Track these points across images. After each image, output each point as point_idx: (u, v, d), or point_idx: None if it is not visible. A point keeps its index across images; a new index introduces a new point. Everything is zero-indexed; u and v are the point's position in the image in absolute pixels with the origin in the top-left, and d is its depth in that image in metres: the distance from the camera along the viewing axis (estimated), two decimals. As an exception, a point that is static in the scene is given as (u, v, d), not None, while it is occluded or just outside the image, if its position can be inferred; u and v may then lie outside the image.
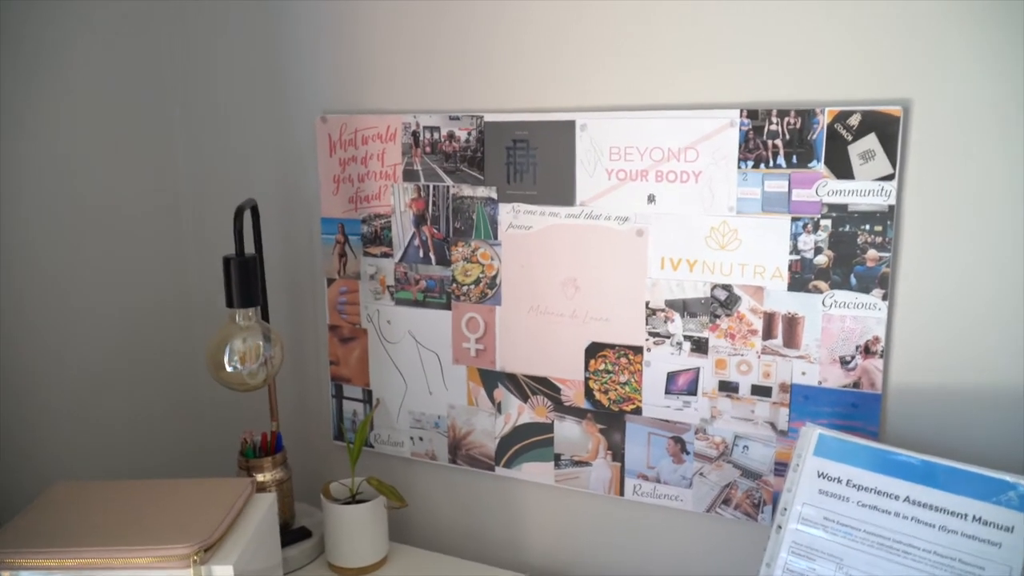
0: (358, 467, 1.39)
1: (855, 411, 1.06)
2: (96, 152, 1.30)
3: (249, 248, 1.21)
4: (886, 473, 0.96)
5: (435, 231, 1.27)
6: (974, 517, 0.90)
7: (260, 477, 1.28)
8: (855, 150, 1.01)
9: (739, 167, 1.06)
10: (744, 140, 1.06)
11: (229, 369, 1.18)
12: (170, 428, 1.47)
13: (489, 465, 1.30)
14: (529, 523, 1.30)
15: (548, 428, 1.25)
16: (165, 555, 0.94)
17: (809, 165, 1.03)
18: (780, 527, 1.01)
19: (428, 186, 1.26)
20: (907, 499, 0.94)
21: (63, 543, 0.96)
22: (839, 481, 0.99)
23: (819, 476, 1.00)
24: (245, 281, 1.17)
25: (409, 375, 1.33)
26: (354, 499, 1.29)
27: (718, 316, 1.11)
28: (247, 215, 1.20)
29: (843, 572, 0.95)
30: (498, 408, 1.28)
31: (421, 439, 1.35)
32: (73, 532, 0.99)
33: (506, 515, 1.32)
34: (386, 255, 1.31)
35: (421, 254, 1.28)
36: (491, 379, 1.27)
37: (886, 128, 0.99)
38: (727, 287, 1.10)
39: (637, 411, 1.18)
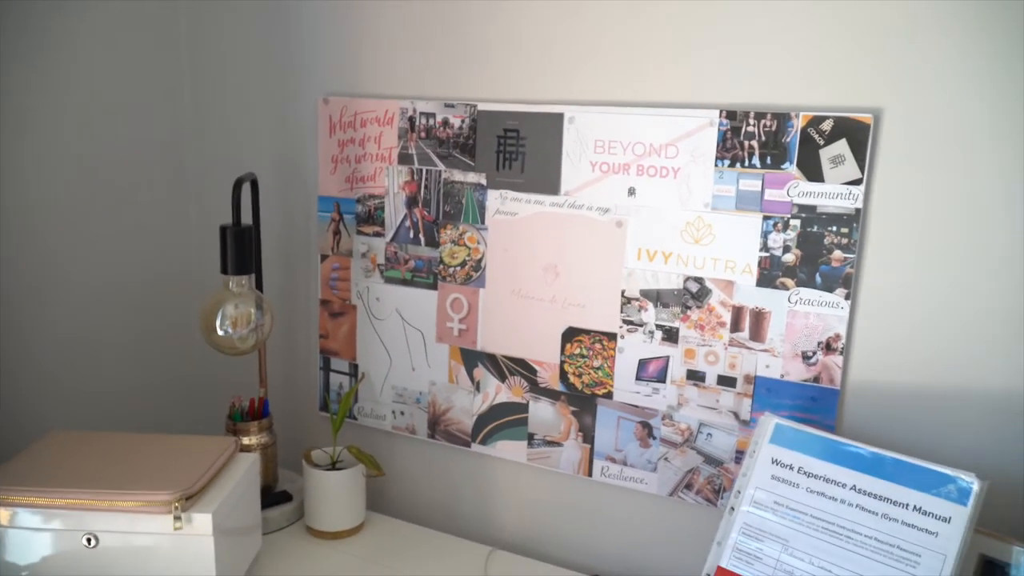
0: (341, 438, 1.45)
1: (814, 404, 1.11)
2: (101, 124, 1.36)
3: (247, 221, 1.27)
4: (836, 462, 1.01)
5: (426, 213, 1.32)
6: (915, 507, 0.95)
7: (246, 440, 1.33)
8: (826, 154, 1.05)
9: (716, 165, 1.11)
10: (722, 139, 1.10)
11: (220, 333, 1.23)
12: (164, 391, 1.53)
13: (466, 441, 1.35)
14: (501, 499, 1.35)
15: (523, 408, 1.29)
16: (148, 500, 1.00)
17: (782, 166, 1.08)
18: (733, 508, 1.06)
19: (421, 170, 1.31)
20: (853, 487, 0.99)
21: (55, 484, 1.01)
22: (791, 468, 1.03)
23: (773, 463, 1.05)
24: (240, 249, 1.22)
25: (394, 351, 1.38)
26: (334, 466, 1.34)
27: (689, 307, 1.16)
28: (247, 189, 1.26)
29: (788, 553, 1.00)
30: (477, 387, 1.33)
31: (403, 413, 1.40)
32: (64, 475, 1.04)
33: (479, 490, 1.37)
34: (378, 234, 1.36)
35: (411, 235, 1.33)
36: (472, 358, 1.32)
37: (856, 134, 1.03)
38: (699, 280, 1.15)
39: (608, 395, 1.23)
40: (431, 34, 1.27)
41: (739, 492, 1.06)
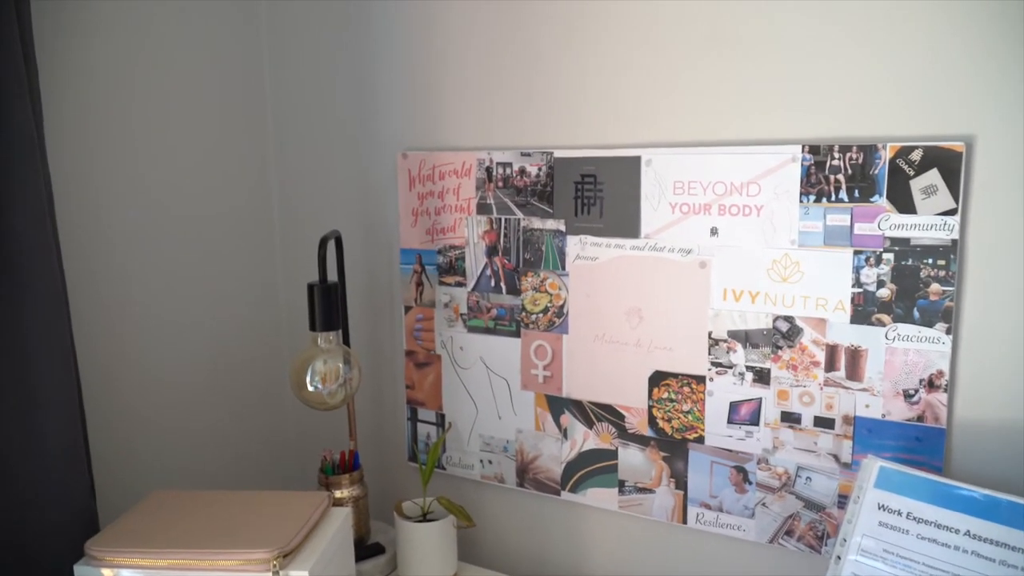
0: (430, 488, 1.45)
1: (919, 445, 1.06)
2: (194, 181, 1.42)
3: (333, 276, 1.29)
4: (947, 507, 0.96)
5: (506, 262, 1.32)
6: (1037, 553, 0.89)
7: (338, 493, 1.34)
8: (917, 185, 1.02)
9: (801, 201, 1.09)
10: (806, 175, 1.08)
11: (311, 388, 1.26)
12: (257, 446, 1.56)
13: (555, 489, 1.34)
14: (592, 548, 1.33)
15: (612, 454, 1.28)
16: (247, 559, 1.01)
17: (871, 199, 1.05)
18: (839, 557, 1.01)
19: (500, 219, 1.32)
20: (967, 533, 0.94)
21: (157, 545, 1.04)
22: (899, 514, 0.99)
23: (879, 508, 1.00)
24: (327, 306, 1.25)
25: (480, 400, 1.38)
26: (425, 518, 1.34)
27: (780, 347, 1.13)
28: (331, 245, 1.29)
29: (902, 605, 0.95)
30: (564, 434, 1.31)
31: (490, 462, 1.39)
32: (165, 536, 1.07)
33: (570, 539, 1.35)
34: (460, 284, 1.37)
35: (493, 283, 1.34)
36: (558, 405, 1.31)
37: (948, 163, 1.00)
38: (789, 319, 1.12)
39: (700, 440, 1.20)
40: (502, 85, 1.29)
41: (845, 540, 1.02)
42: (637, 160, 1.19)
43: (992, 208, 0.99)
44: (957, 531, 0.94)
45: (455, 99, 1.34)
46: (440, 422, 1.43)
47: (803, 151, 1.08)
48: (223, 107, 1.45)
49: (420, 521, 1.32)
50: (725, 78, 1.12)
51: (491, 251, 1.34)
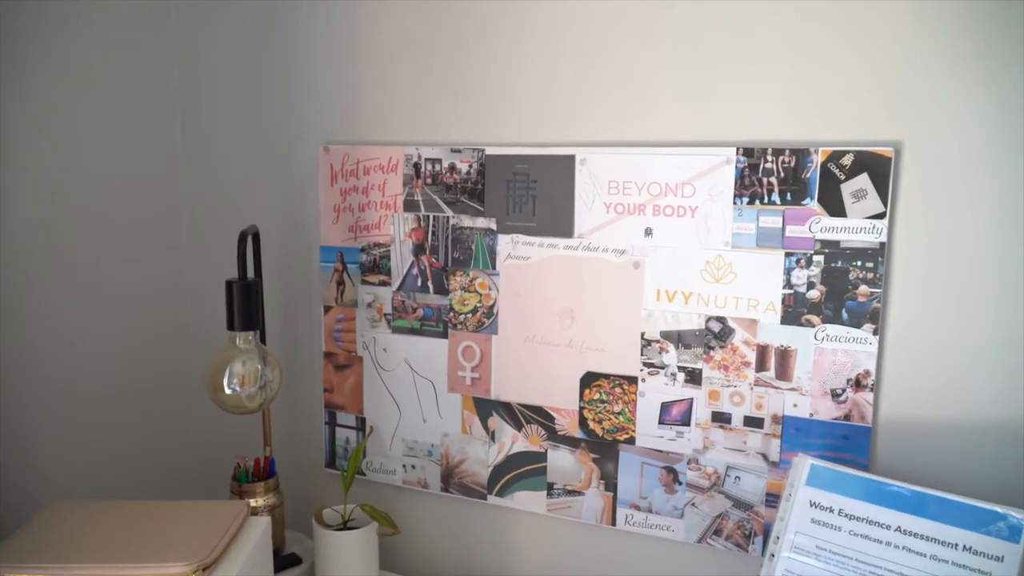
0: (349, 495, 1.40)
1: (846, 443, 1.09)
2: (95, 176, 1.32)
3: (249, 273, 1.23)
4: (878, 503, 0.98)
5: (434, 260, 1.29)
6: (965, 547, 0.92)
7: (253, 502, 1.27)
8: (847, 189, 1.05)
9: (735, 203, 1.10)
10: (740, 177, 1.09)
11: (228, 391, 1.18)
12: (164, 452, 1.47)
13: (481, 494, 1.30)
14: (520, 552, 1.31)
15: (542, 457, 1.26)
16: (164, 573, 0.94)
17: (803, 202, 1.07)
18: (773, 555, 1.03)
19: (428, 216, 1.28)
20: (898, 529, 0.96)
21: (62, 559, 0.95)
22: (831, 510, 1.01)
23: (811, 505, 1.02)
24: (246, 304, 1.18)
25: (404, 403, 1.34)
26: (346, 526, 1.29)
27: (712, 348, 1.14)
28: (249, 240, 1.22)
29: (836, 600, 0.97)
30: (492, 437, 1.29)
31: (414, 467, 1.35)
32: (72, 549, 0.98)
33: (497, 544, 1.32)
34: (384, 283, 1.33)
35: (419, 283, 1.30)
36: (486, 407, 1.28)
37: (878, 168, 1.02)
38: (721, 319, 1.13)
39: (631, 441, 1.20)
40: (434, 79, 1.25)
41: (778, 538, 1.03)
42: (571, 159, 1.18)
43: (918, 212, 1.02)
44: (888, 527, 0.97)
45: (382, 92, 1.29)
46: (361, 426, 1.38)
47: (737, 153, 1.09)
48: (124, 92, 1.36)
49: (341, 529, 1.26)
50: (661, 79, 1.12)
51: (418, 249, 1.30)
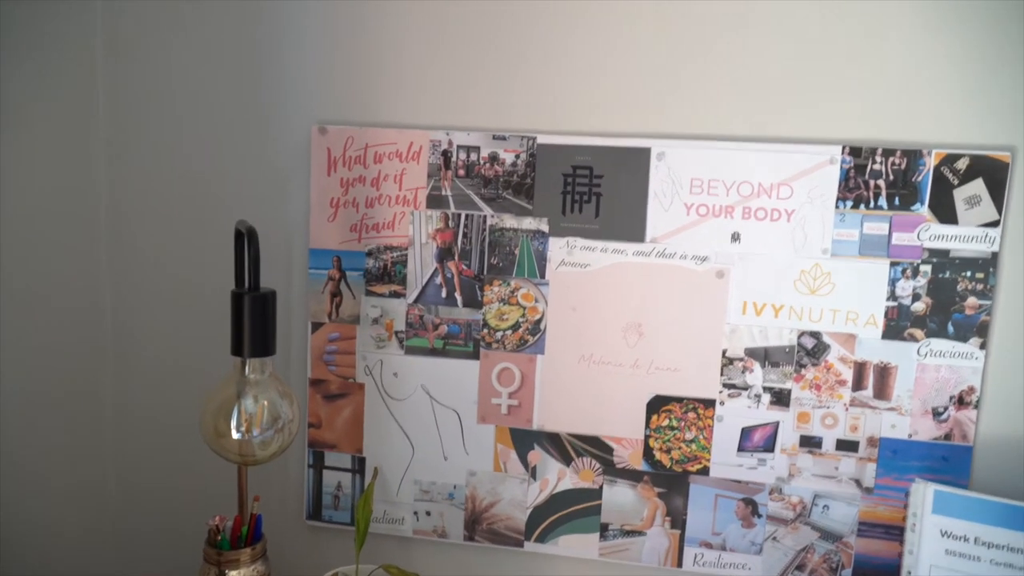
0: (339, 552, 1.15)
1: (945, 464, 1.02)
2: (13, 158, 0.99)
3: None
4: (1014, 528, 0.93)
5: (464, 267, 1.08)
6: (1122, 571, 0.88)
7: (234, 573, 1.00)
8: (961, 194, 0.98)
9: (837, 207, 1.00)
10: (844, 178, 1.00)
11: (235, 436, 0.91)
12: (71, 511, 1.14)
13: (517, 540, 1.11)
14: (565, 606, 1.13)
15: (595, 494, 1.09)
16: None
17: (912, 208, 0.99)
18: (907, 594, 0.94)
19: (459, 215, 1.07)
20: (1044, 556, 0.91)
21: None
22: (965, 539, 0.93)
23: (943, 535, 0.94)
24: (261, 323, 0.91)
25: (418, 438, 1.12)
26: (359, 594, 1.05)
27: (803, 366, 1.03)
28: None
29: (988, 639, 0.90)
30: (532, 473, 1.10)
31: (428, 514, 1.13)
32: None
33: (536, 598, 1.14)
34: (396, 295, 1.10)
35: (444, 294, 1.09)
36: (525, 440, 1.10)
37: (994, 174, 0.97)
38: (815, 334, 1.03)
39: (704, 471, 1.07)
40: (471, 47, 1.05)
41: (910, 573, 0.94)
42: (646, 152, 1.03)
43: (1029, 221, 0.98)
44: (1032, 554, 0.91)
45: (400, 60, 1.06)
46: (358, 468, 1.14)
47: (843, 153, 0.99)
48: (53, 59, 1.03)
49: (356, 599, 1.03)
50: (759, 65, 1.00)
51: (444, 254, 1.08)
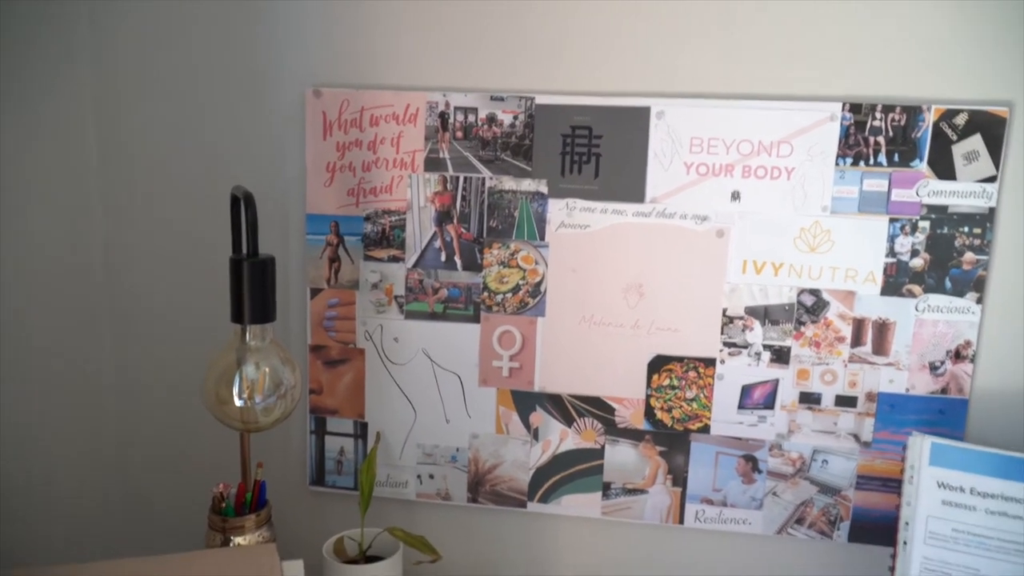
0: (342, 517, 1.16)
1: (941, 417, 1.04)
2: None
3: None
4: (1009, 478, 0.94)
5: (464, 231, 1.07)
6: (1113, 517, 0.91)
7: (240, 540, 1.00)
8: (959, 150, 0.98)
9: (837, 164, 1.00)
10: (844, 135, 1.00)
11: (238, 403, 0.91)
12: (73, 481, 1.13)
13: (520, 501, 1.12)
14: (569, 563, 1.14)
15: (597, 454, 1.10)
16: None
17: (911, 164, 0.99)
18: (906, 543, 0.96)
19: (458, 178, 1.06)
20: (1038, 504, 0.93)
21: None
22: (962, 490, 0.95)
23: (939, 487, 0.96)
24: (261, 289, 0.91)
25: (420, 402, 1.12)
26: (366, 557, 1.06)
27: (803, 323, 1.04)
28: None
29: (985, 586, 0.92)
30: (535, 435, 1.11)
31: (432, 476, 1.14)
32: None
33: (540, 556, 1.15)
34: (395, 259, 1.09)
35: (443, 257, 1.08)
36: (527, 402, 1.10)
37: (992, 129, 0.97)
38: (815, 292, 1.03)
39: (705, 430, 1.08)
40: (470, 7, 1.03)
41: (907, 523, 0.96)
42: (646, 111, 1.02)
43: (1026, 176, 0.99)
44: (1027, 502, 0.93)
45: (396, 20, 1.04)
46: (361, 433, 1.14)
47: (843, 109, 0.99)
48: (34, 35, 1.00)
49: (361, 562, 1.03)
50: (758, 22, 0.99)
51: (443, 218, 1.08)
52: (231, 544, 0.98)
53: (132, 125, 1.11)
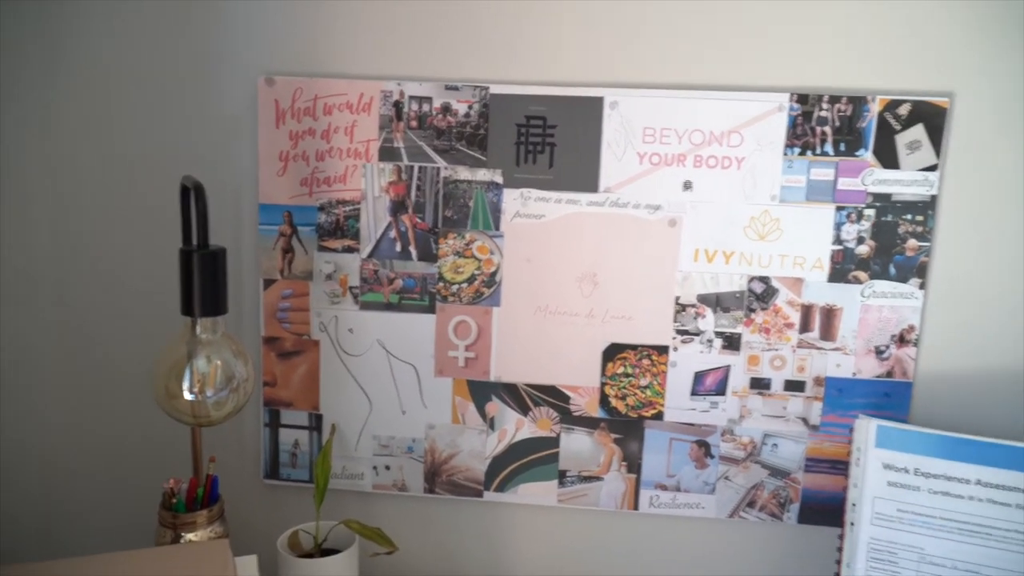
0: (298, 510, 1.15)
1: (887, 400, 1.07)
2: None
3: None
4: (952, 458, 0.97)
5: (419, 221, 1.07)
6: (1049, 493, 0.94)
7: (192, 536, 0.99)
8: (903, 140, 1.01)
9: (785, 154, 1.02)
10: (792, 125, 1.02)
11: (188, 397, 0.89)
12: (21, 481, 1.11)
13: (477, 491, 1.13)
14: (526, 552, 1.15)
15: (553, 442, 1.11)
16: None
17: (857, 153, 1.02)
18: (852, 524, 0.98)
19: (412, 167, 1.06)
20: (978, 481, 0.96)
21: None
22: (906, 471, 0.98)
23: (885, 468, 0.99)
24: (212, 280, 0.89)
25: (376, 393, 1.11)
26: (321, 550, 1.05)
27: (753, 310, 1.06)
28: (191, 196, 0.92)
29: (927, 562, 0.95)
30: (491, 424, 1.11)
31: (388, 468, 1.13)
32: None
33: (497, 546, 1.15)
34: (350, 250, 1.08)
35: (398, 248, 1.08)
36: (483, 391, 1.10)
37: (933, 119, 1.00)
38: (765, 279, 1.05)
39: (658, 416, 1.09)
40: (421, -1, 1.03)
41: (854, 504, 0.99)
42: (599, 102, 1.03)
43: (966, 164, 1.01)
44: (968, 481, 0.96)
45: (350, 8, 1.04)
46: (316, 425, 1.13)
47: (791, 100, 1.01)
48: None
49: (319, 555, 1.03)
50: (711, 15, 1.00)
51: (398, 207, 1.07)
52: (182, 540, 0.97)
53: (80, 115, 1.09)
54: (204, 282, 0.89)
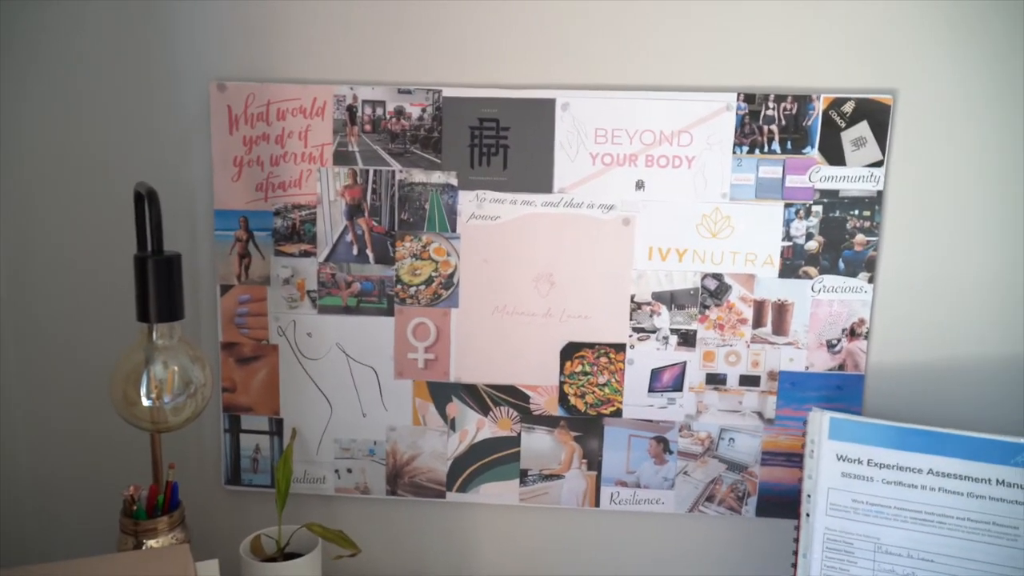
0: (259, 515, 1.15)
1: (840, 393, 1.09)
2: None
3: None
4: (904, 448, 0.99)
5: (375, 224, 1.08)
6: (997, 480, 0.96)
7: (153, 543, 0.99)
8: (848, 137, 1.03)
9: (734, 152, 1.04)
10: (740, 125, 1.03)
11: (146, 403, 0.89)
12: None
13: (439, 492, 1.13)
14: (489, 551, 1.16)
15: (513, 442, 1.12)
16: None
17: (803, 151, 1.04)
18: (808, 515, 1.00)
19: (367, 171, 1.07)
20: (930, 471, 0.98)
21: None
22: (860, 462, 1.00)
23: (839, 459, 1.00)
24: (167, 286, 0.89)
25: (336, 397, 1.12)
26: (283, 554, 1.05)
27: (707, 307, 1.08)
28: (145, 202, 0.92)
29: (883, 551, 0.97)
30: (452, 425, 1.12)
31: (350, 471, 1.14)
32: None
33: (460, 546, 1.16)
34: (307, 254, 1.09)
35: (355, 251, 1.08)
36: (443, 392, 1.11)
37: (877, 116, 1.02)
38: (718, 276, 1.07)
39: (617, 414, 1.10)
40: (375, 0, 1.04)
41: (809, 496, 1.00)
42: (551, 103, 1.04)
43: (910, 160, 1.03)
44: (920, 471, 0.98)
45: (301, 13, 1.04)
46: (276, 430, 1.13)
47: (738, 99, 1.03)
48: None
49: (281, 559, 1.03)
50: (659, 16, 1.02)
51: (353, 211, 1.08)
52: (143, 547, 0.97)
53: (33, 122, 1.08)
54: (159, 288, 0.89)
